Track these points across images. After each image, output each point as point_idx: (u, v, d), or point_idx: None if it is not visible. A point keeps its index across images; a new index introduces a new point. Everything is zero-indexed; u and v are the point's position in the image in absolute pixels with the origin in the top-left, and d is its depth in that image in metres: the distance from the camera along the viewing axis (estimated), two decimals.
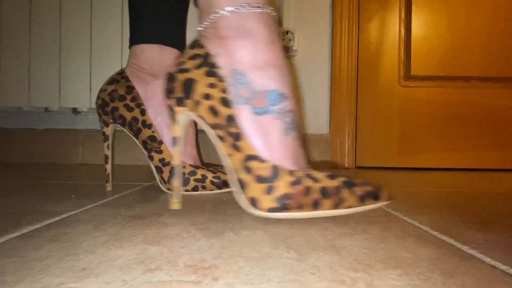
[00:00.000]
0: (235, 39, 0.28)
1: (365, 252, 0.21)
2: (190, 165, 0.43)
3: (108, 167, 0.45)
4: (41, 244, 0.22)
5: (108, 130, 0.45)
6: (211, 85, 0.29)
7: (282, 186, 0.27)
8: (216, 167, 0.48)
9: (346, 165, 0.94)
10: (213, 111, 0.29)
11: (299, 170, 0.28)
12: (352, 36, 0.94)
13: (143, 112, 0.44)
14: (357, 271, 0.18)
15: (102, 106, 0.44)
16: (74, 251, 0.21)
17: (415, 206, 0.38)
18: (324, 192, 0.27)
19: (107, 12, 0.79)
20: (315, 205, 0.27)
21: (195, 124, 0.50)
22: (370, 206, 0.29)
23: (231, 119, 0.28)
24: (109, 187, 0.45)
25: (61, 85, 0.81)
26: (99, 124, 0.47)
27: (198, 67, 0.29)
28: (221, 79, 0.29)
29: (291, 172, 0.27)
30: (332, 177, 0.28)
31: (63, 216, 0.30)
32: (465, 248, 0.23)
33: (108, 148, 0.45)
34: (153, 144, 0.44)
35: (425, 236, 0.26)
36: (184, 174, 0.42)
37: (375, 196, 0.29)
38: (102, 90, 0.44)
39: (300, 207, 0.27)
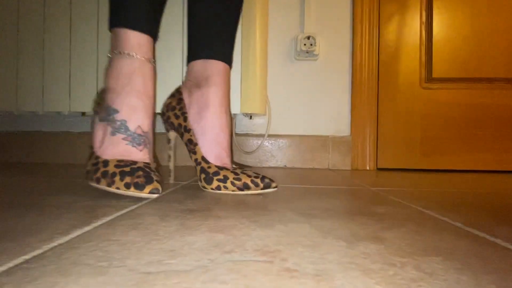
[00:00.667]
0: (107, 71, 0.45)
1: (407, 243, 0.24)
2: (216, 166, 0.47)
3: (171, 164, 0.56)
4: (125, 231, 0.26)
5: (170, 135, 0.54)
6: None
7: (88, 165, 0.42)
8: (244, 169, 0.51)
9: (368, 167, 0.95)
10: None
11: (112, 158, 0.41)
12: (372, 39, 0.95)
13: (185, 119, 0.48)
14: (404, 257, 0.21)
15: (162, 116, 0.53)
16: (155, 237, 0.24)
17: (444, 205, 0.40)
18: (103, 175, 0.39)
19: None
20: (98, 181, 0.40)
21: (231, 127, 0.55)
22: (132, 193, 0.38)
23: (92, 122, 0.45)
24: (171, 180, 0.56)
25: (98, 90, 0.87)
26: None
27: None
28: None
29: (96, 158, 0.42)
30: (119, 166, 0.40)
31: (128, 209, 0.34)
32: (498, 241, 0.25)
33: (170, 149, 0.55)
34: (190, 146, 0.49)
35: (459, 231, 0.28)
36: (208, 173, 0.46)
37: (138, 187, 0.38)
38: (164, 104, 0.53)
39: (96, 181, 0.40)
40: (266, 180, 0.47)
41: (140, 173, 0.38)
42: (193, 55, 0.50)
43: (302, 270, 0.19)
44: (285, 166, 0.96)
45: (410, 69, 0.97)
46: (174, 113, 0.50)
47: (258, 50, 0.85)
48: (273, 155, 0.97)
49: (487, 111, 0.95)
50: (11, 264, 0.19)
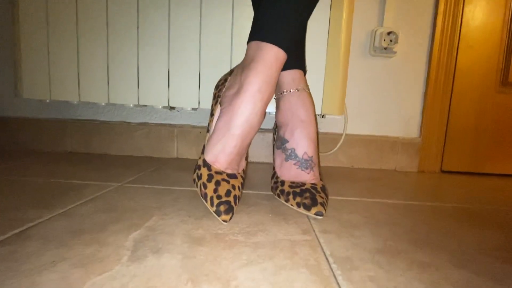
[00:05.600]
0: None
1: None
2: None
3: None
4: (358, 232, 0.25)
5: None
6: None
7: (272, 182, 0.53)
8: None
9: (434, 169, 0.96)
10: None
11: (287, 180, 0.50)
12: (453, 39, 0.91)
13: None
14: None
15: None
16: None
17: None
18: (281, 192, 0.49)
19: (186, 16, 0.78)
20: (278, 196, 0.50)
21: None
22: (302, 211, 0.45)
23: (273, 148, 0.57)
24: None
25: (170, 84, 0.82)
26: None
27: None
28: None
29: (276, 177, 0.52)
30: (292, 187, 0.48)
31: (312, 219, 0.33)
32: None
33: None
34: None
35: None
36: None
37: (306, 207, 0.44)
38: None
39: (278, 196, 0.51)
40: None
41: (307, 194, 0.45)
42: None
43: None
44: (352, 166, 0.96)
45: (486, 72, 0.94)
46: None
47: (342, 55, 0.80)
48: (340, 154, 0.96)
49: None
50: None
